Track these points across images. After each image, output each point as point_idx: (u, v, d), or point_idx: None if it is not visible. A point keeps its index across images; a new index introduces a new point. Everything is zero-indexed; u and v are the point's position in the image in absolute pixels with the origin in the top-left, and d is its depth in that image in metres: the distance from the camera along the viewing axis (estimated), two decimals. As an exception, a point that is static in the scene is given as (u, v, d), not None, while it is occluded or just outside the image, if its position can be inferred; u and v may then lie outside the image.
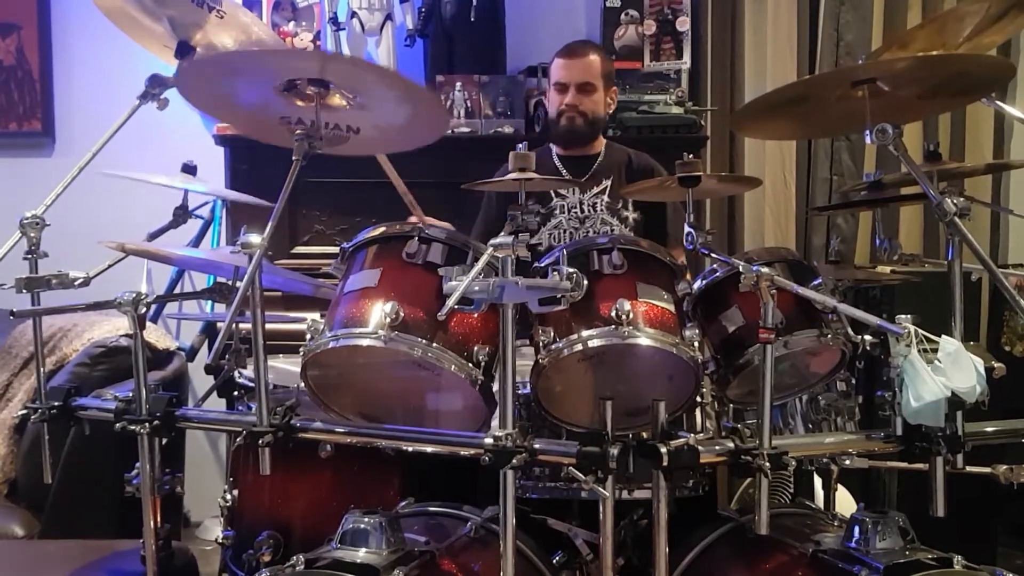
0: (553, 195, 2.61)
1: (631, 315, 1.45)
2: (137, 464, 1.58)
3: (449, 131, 3.02)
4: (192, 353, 3.10)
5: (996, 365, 1.55)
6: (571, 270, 1.36)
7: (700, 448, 1.37)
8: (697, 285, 1.67)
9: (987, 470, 1.50)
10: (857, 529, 1.50)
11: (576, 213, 2.60)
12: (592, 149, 2.68)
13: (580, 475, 1.31)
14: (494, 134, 3.06)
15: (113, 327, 2.66)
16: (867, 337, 1.62)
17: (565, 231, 2.61)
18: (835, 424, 1.77)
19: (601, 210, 2.59)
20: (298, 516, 1.85)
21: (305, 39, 3.23)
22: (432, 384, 1.59)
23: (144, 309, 1.57)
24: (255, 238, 1.43)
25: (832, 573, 1.47)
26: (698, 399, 1.61)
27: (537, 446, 1.33)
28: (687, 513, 1.70)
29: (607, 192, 2.60)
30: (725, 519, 1.75)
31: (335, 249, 1.64)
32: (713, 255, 1.60)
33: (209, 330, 3.12)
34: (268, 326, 1.50)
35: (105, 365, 2.54)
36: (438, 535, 1.63)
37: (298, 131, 1.50)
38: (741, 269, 1.41)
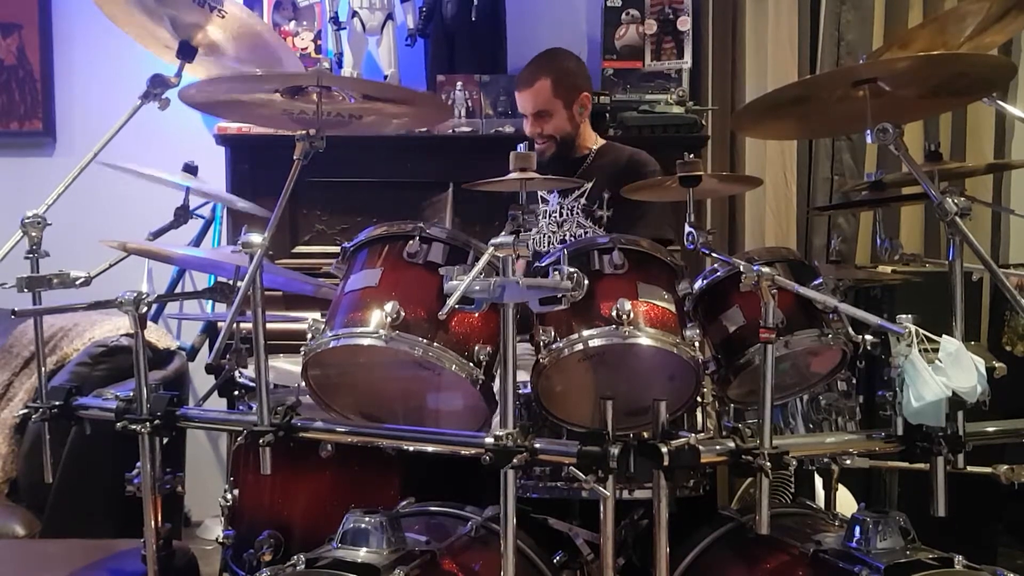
0: (539, 200, 2.60)
1: (632, 315, 1.45)
2: (138, 464, 1.58)
3: (450, 130, 3.03)
4: (193, 353, 3.11)
5: (997, 365, 1.55)
6: (572, 270, 1.36)
7: (701, 448, 1.37)
8: (698, 285, 1.67)
9: (988, 470, 1.50)
10: (858, 529, 1.50)
11: (555, 218, 2.60)
12: (579, 153, 2.66)
13: (581, 475, 1.32)
14: (495, 134, 3.06)
15: (114, 326, 2.66)
16: (868, 337, 1.62)
17: (544, 235, 2.60)
18: (836, 424, 1.77)
19: (577, 213, 2.58)
20: (299, 516, 1.85)
21: (306, 39, 3.23)
22: (433, 384, 1.59)
23: (145, 308, 1.57)
24: (256, 238, 1.44)
25: (833, 573, 1.47)
26: (699, 399, 1.61)
27: (538, 446, 1.33)
28: (688, 513, 1.70)
29: (585, 195, 2.58)
30: (726, 519, 1.75)
31: (336, 249, 1.64)
32: (714, 255, 1.60)
33: (210, 330, 3.12)
34: (269, 326, 1.51)
35: (106, 364, 2.54)
36: (439, 535, 1.63)
37: (300, 131, 1.51)
38: (742, 269, 1.41)
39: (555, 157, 2.62)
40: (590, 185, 2.57)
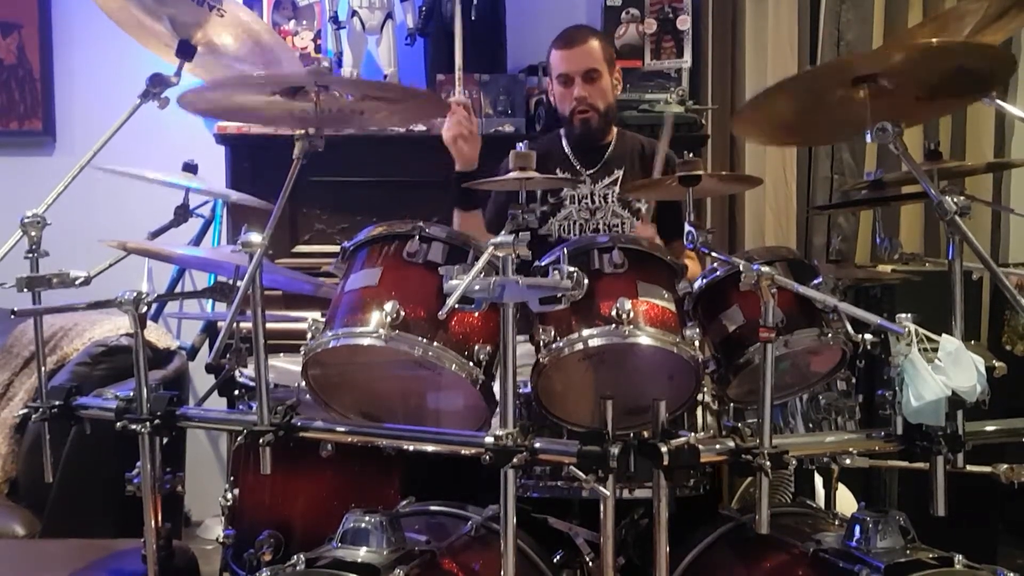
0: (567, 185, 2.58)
1: (632, 314, 1.45)
2: (138, 463, 1.58)
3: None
4: (193, 352, 3.10)
5: (997, 364, 1.54)
6: (572, 269, 1.36)
7: (701, 447, 1.37)
8: (698, 284, 1.67)
9: (988, 469, 1.50)
10: (858, 528, 1.50)
11: (587, 204, 2.55)
12: (604, 139, 2.62)
13: (581, 474, 1.31)
14: (495, 133, 3.05)
15: (114, 326, 2.66)
16: (868, 336, 1.62)
17: (575, 222, 2.55)
18: (835, 423, 1.77)
19: (612, 202, 2.55)
20: (299, 515, 1.86)
21: (305, 38, 3.23)
22: (433, 383, 1.59)
23: (145, 308, 1.57)
24: (256, 237, 1.44)
25: (833, 572, 1.47)
26: (698, 398, 1.61)
27: (538, 445, 1.33)
28: (688, 512, 1.70)
29: (618, 184, 2.55)
30: (726, 518, 1.75)
31: (336, 248, 1.64)
32: (714, 254, 1.60)
33: (210, 329, 3.12)
34: (269, 325, 1.51)
35: (106, 364, 2.54)
36: (439, 534, 1.63)
37: (299, 130, 1.51)
38: (742, 268, 1.41)
39: (581, 139, 2.58)
40: (621, 173, 2.56)
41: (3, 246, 1.58)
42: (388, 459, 1.76)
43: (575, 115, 2.54)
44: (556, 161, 2.56)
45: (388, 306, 1.43)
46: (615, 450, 1.30)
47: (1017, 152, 3.35)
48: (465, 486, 1.80)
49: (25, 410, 1.69)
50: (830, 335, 1.58)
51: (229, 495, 1.88)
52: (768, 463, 1.36)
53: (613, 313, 1.44)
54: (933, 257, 1.90)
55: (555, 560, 1.74)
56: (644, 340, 1.46)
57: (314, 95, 1.50)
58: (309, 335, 1.50)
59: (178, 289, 3.25)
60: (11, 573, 1.93)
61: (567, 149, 2.62)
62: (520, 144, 1.58)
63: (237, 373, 1.85)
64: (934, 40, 1.58)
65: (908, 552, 1.45)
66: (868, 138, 1.44)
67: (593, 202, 2.55)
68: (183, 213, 1.88)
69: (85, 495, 2.35)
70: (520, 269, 1.33)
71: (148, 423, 1.55)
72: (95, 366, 2.53)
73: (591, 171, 2.58)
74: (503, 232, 1.35)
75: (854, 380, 1.77)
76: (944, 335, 1.39)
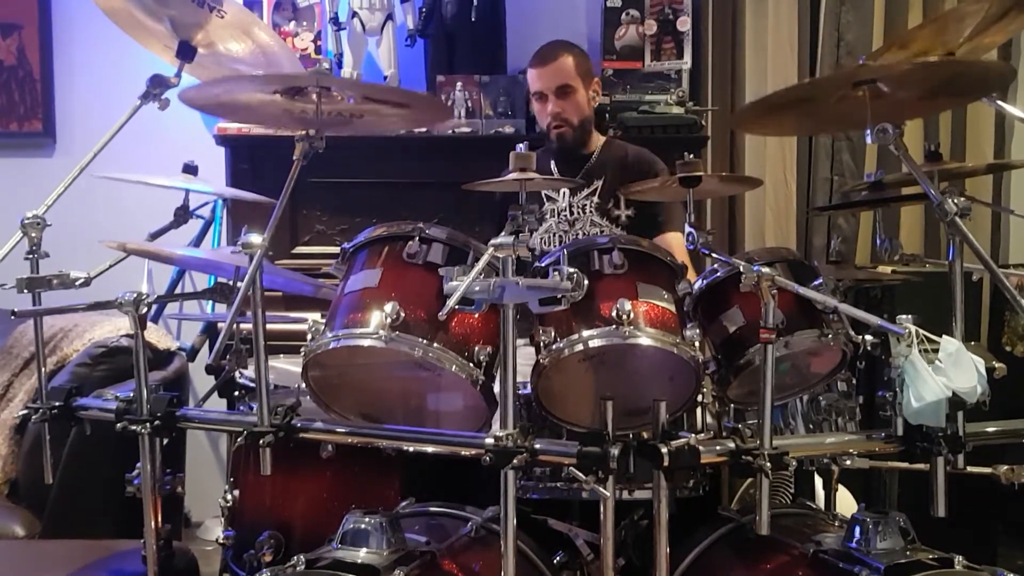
0: (544, 199, 2.60)
1: (632, 315, 1.45)
2: (138, 464, 1.58)
3: (450, 131, 3.03)
4: (193, 353, 3.10)
5: (997, 365, 1.55)
6: (572, 270, 1.36)
7: (701, 448, 1.37)
8: (698, 285, 1.67)
9: (988, 470, 1.50)
10: (858, 529, 1.50)
11: (565, 216, 2.59)
12: (587, 149, 2.66)
13: (581, 475, 1.31)
14: (495, 134, 3.06)
15: (114, 327, 2.66)
16: (868, 337, 1.62)
17: (555, 234, 2.60)
18: (836, 424, 1.77)
19: (590, 211, 2.58)
20: (299, 516, 1.85)
21: (306, 39, 3.23)
22: (433, 384, 1.59)
23: (145, 309, 1.57)
24: (256, 238, 1.44)
25: (833, 573, 1.47)
26: (699, 399, 1.61)
27: (538, 446, 1.33)
28: (688, 513, 1.70)
29: (597, 193, 2.58)
30: (726, 519, 1.75)
31: (336, 249, 1.64)
32: (714, 255, 1.60)
33: (210, 330, 3.12)
34: (269, 326, 1.51)
35: (106, 365, 2.54)
36: (439, 535, 1.63)
37: (300, 131, 1.51)
38: (742, 269, 1.41)
39: (562, 152, 2.62)
40: (600, 183, 2.58)
41: (3, 247, 1.58)
42: (388, 460, 1.76)
43: (551, 130, 2.60)
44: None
45: (388, 307, 1.43)
46: (615, 451, 1.31)
47: (1017, 153, 3.35)
48: (465, 487, 1.80)
49: (25, 411, 1.69)
50: (830, 336, 1.58)
51: (229, 496, 1.88)
52: (768, 464, 1.36)
53: (613, 314, 1.45)
54: (933, 258, 1.89)
55: (555, 561, 1.74)
56: (644, 341, 1.46)
57: (315, 96, 1.50)
58: (309, 336, 1.50)
59: (178, 290, 3.25)
60: (11, 573, 1.93)
61: (553, 166, 2.65)
62: (520, 145, 1.58)
63: (237, 374, 1.85)
64: (933, 58, 1.58)
65: (908, 553, 1.45)
66: (868, 139, 1.44)
67: (572, 214, 2.58)
68: (183, 214, 1.88)
69: (85, 496, 2.35)
70: (519, 270, 1.33)
71: (148, 424, 1.55)
72: (95, 367, 2.53)
73: (578, 181, 2.59)
74: (503, 233, 1.35)
75: (854, 381, 1.77)
76: (944, 336, 1.39)
